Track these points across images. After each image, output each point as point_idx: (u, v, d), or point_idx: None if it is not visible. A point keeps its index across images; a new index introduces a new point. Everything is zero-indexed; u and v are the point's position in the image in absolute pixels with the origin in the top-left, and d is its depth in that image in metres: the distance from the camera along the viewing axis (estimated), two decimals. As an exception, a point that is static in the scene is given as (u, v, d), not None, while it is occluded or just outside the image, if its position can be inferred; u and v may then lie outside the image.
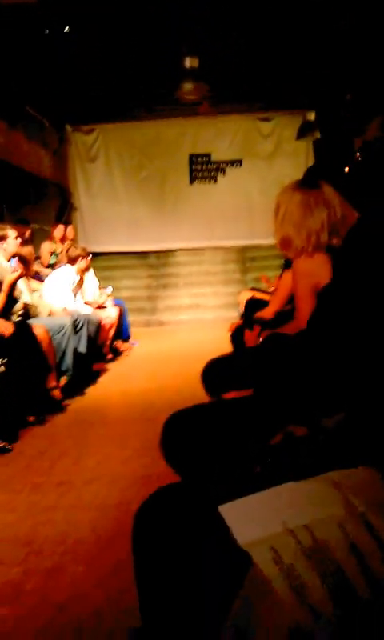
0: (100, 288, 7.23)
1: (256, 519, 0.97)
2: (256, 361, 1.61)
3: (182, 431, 1.63)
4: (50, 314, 5.48)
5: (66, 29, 5.81)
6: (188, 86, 7.43)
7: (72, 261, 6.18)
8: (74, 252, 6.23)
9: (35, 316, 5.11)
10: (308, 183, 2.28)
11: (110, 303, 6.98)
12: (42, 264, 7.89)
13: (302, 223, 2.17)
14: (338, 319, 1.23)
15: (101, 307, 6.70)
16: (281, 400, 1.28)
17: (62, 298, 5.90)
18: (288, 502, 1.01)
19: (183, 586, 0.96)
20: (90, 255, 6.54)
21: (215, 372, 1.93)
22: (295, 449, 1.21)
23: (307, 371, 1.27)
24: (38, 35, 5.86)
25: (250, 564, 0.90)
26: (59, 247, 7.90)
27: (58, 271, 6.26)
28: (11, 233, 5.03)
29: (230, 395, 1.77)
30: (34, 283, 6.05)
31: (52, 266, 7.57)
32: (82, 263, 6.24)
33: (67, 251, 6.32)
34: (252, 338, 2.69)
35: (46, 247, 8.22)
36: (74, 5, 5.62)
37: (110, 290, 7.29)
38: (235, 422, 1.59)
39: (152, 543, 1.02)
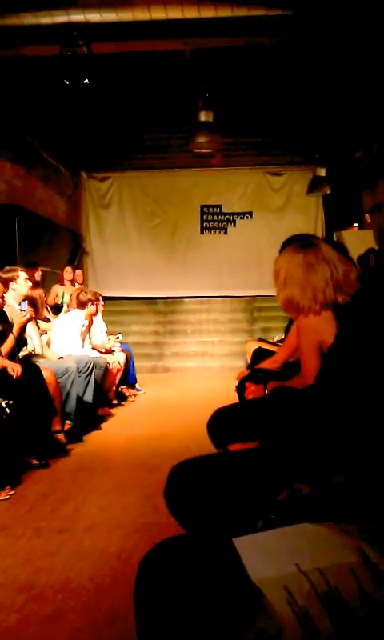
0: (108, 333, 7.28)
1: (269, 556, 0.98)
2: (263, 413, 1.63)
3: (186, 483, 1.63)
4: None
5: (85, 81, 6.00)
6: (202, 139, 7.61)
7: (82, 305, 6.24)
8: (84, 297, 6.29)
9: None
10: (305, 243, 2.34)
11: (117, 348, 7.01)
12: (47, 304, 7.97)
13: (307, 282, 2.21)
14: (346, 376, 1.26)
15: (108, 352, 6.73)
16: (287, 455, 1.29)
17: (69, 343, 5.94)
18: (301, 543, 1.01)
19: (187, 636, 0.97)
20: (101, 300, 6.62)
21: (221, 423, 1.94)
22: (300, 506, 1.22)
23: (314, 428, 1.28)
24: (58, 85, 6.06)
25: (261, 600, 0.91)
26: (68, 290, 7.98)
27: (67, 315, 6.31)
28: (22, 274, 5.12)
29: (236, 447, 1.79)
30: (43, 323, 6.12)
31: (58, 308, 7.62)
32: (91, 308, 6.30)
33: (78, 296, 6.38)
34: (257, 389, 2.70)
35: (54, 290, 8.32)
36: (93, 58, 5.82)
37: (120, 337, 7.35)
38: (241, 476, 1.60)
39: (154, 594, 1.02)
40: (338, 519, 1.08)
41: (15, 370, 4.33)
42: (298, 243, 2.36)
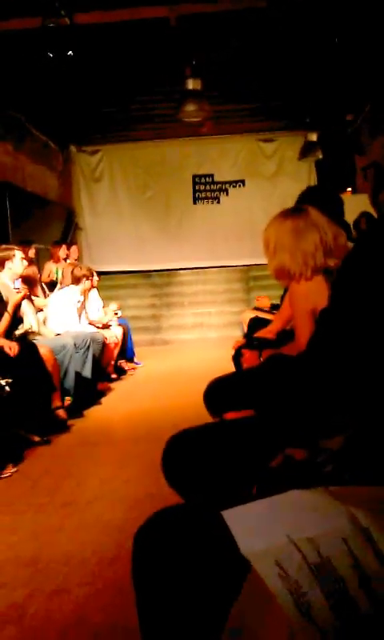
0: (104, 307, 7.26)
1: (259, 527, 0.97)
2: (256, 381, 1.62)
3: (182, 453, 1.64)
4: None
5: (69, 52, 5.89)
6: (190, 107, 7.48)
7: (76, 281, 6.22)
8: (78, 272, 6.27)
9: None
10: (293, 209, 2.33)
11: (114, 322, 7.01)
12: (42, 282, 7.92)
13: (296, 248, 2.19)
14: (339, 339, 1.24)
15: (105, 326, 6.73)
16: (281, 422, 1.29)
17: (66, 319, 5.93)
18: (291, 512, 1.01)
19: (182, 606, 0.97)
20: (96, 275, 6.59)
21: (217, 392, 1.94)
22: (294, 471, 1.22)
23: (307, 392, 1.28)
24: (41, 58, 5.94)
25: (248, 570, 0.90)
26: (61, 267, 7.93)
27: (62, 292, 6.28)
28: (18, 253, 5.09)
29: (231, 415, 1.78)
30: (39, 300, 6.09)
31: (53, 285, 7.59)
32: (86, 283, 6.27)
33: (72, 271, 6.34)
34: (252, 357, 2.70)
35: (48, 267, 8.26)
36: (76, 30, 5.70)
37: (114, 307, 7.31)
38: (235, 444, 1.60)
39: (151, 564, 1.02)
40: (329, 483, 1.08)
41: (12, 348, 4.33)
42: (285, 210, 2.34)
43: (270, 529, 0.96)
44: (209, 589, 0.96)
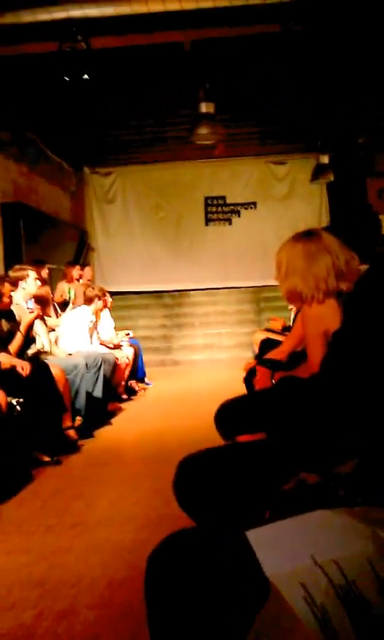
0: (116, 328, 7.29)
1: (283, 548, 0.96)
2: (269, 405, 1.62)
3: (194, 476, 1.64)
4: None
5: (85, 76, 5.99)
6: (203, 130, 7.57)
7: (88, 301, 6.25)
8: (91, 292, 6.31)
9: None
10: (305, 233, 2.34)
11: (125, 343, 7.03)
12: (55, 301, 7.96)
13: (308, 271, 2.21)
14: (350, 362, 1.24)
15: (117, 347, 6.74)
16: (293, 445, 1.29)
17: (77, 339, 5.95)
18: (315, 532, 1.00)
19: (201, 630, 0.97)
20: (109, 296, 6.64)
21: (228, 415, 1.94)
22: (307, 495, 1.22)
23: (319, 415, 1.28)
24: (58, 82, 6.05)
25: (269, 592, 0.90)
26: (74, 287, 7.97)
27: (74, 312, 6.32)
28: (32, 274, 5.13)
29: (243, 438, 1.78)
30: (51, 319, 6.13)
31: (65, 305, 7.62)
32: (98, 304, 6.31)
33: (84, 292, 6.38)
34: (264, 379, 2.70)
35: (61, 287, 8.31)
36: (92, 54, 5.81)
37: (130, 333, 7.38)
38: (247, 467, 1.60)
39: (167, 587, 1.02)
40: (343, 506, 1.07)
41: (24, 367, 4.35)
42: (298, 234, 2.36)
43: (294, 550, 0.95)
44: (229, 612, 0.95)
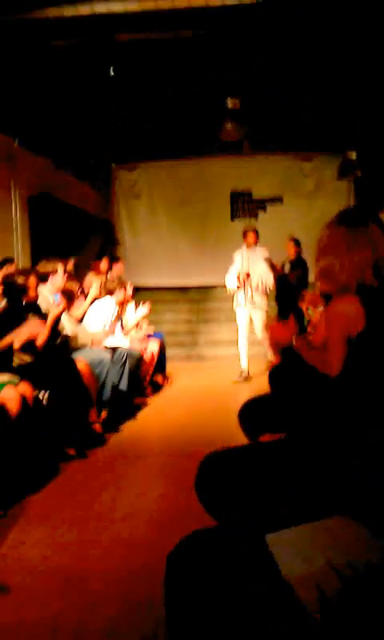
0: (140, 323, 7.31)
1: (300, 551, 0.98)
2: (292, 406, 1.62)
3: (215, 476, 1.65)
4: (92, 344, 5.55)
5: (111, 73, 6.03)
6: (229, 127, 7.57)
7: (110, 293, 6.30)
8: (111, 284, 6.36)
9: (76, 348, 5.21)
10: (356, 220, 2.21)
11: (143, 329, 7.05)
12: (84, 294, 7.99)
13: (347, 257, 2.09)
14: (373, 363, 1.24)
15: (143, 340, 6.77)
16: (316, 447, 1.30)
17: (102, 328, 6.00)
18: (332, 537, 1.01)
19: (219, 627, 0.98)
20: (128, 287, 6.65)
21: (251, 414, 1.94)
22: (330, 496, 1.22)
23: (341, 415, 1.28)
24: (83, 78, 6.10)
25: (290, 592, 0.91)
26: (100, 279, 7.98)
27: (98, 303, 6.34)
28: (60, 268, 5.19)
29: (266, 437, 1.79)
30: (76, 311, 6.16)
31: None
32: (119, 295, 6.33)
33: (104, 284, 6.43)
34: (287, 331, 2.49)
35: (89, 279, 8.34)
36: (118, 50, 5.84)
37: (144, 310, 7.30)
38: (270, 468, 1.61)
39: (186, 586, 1.03)
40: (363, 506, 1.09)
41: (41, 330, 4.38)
42: (347, 214, 2.24)
43: (312, 553, 0.97)
44: (247, 611, 0.97)
